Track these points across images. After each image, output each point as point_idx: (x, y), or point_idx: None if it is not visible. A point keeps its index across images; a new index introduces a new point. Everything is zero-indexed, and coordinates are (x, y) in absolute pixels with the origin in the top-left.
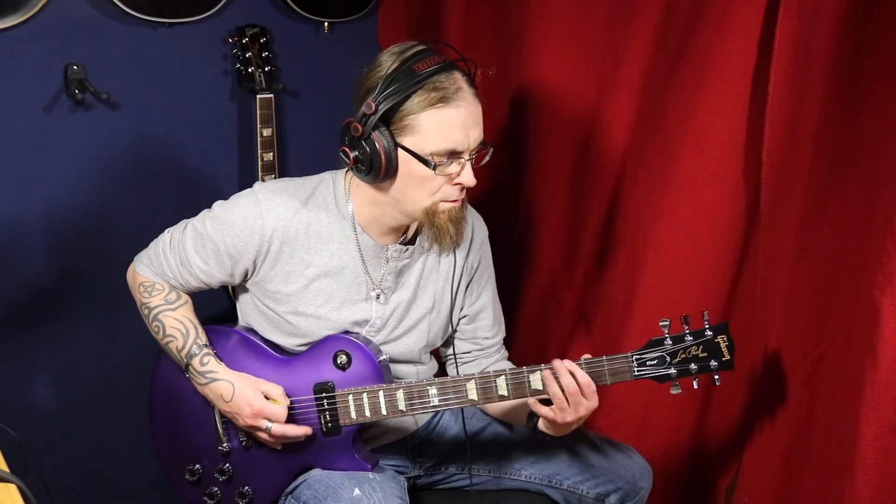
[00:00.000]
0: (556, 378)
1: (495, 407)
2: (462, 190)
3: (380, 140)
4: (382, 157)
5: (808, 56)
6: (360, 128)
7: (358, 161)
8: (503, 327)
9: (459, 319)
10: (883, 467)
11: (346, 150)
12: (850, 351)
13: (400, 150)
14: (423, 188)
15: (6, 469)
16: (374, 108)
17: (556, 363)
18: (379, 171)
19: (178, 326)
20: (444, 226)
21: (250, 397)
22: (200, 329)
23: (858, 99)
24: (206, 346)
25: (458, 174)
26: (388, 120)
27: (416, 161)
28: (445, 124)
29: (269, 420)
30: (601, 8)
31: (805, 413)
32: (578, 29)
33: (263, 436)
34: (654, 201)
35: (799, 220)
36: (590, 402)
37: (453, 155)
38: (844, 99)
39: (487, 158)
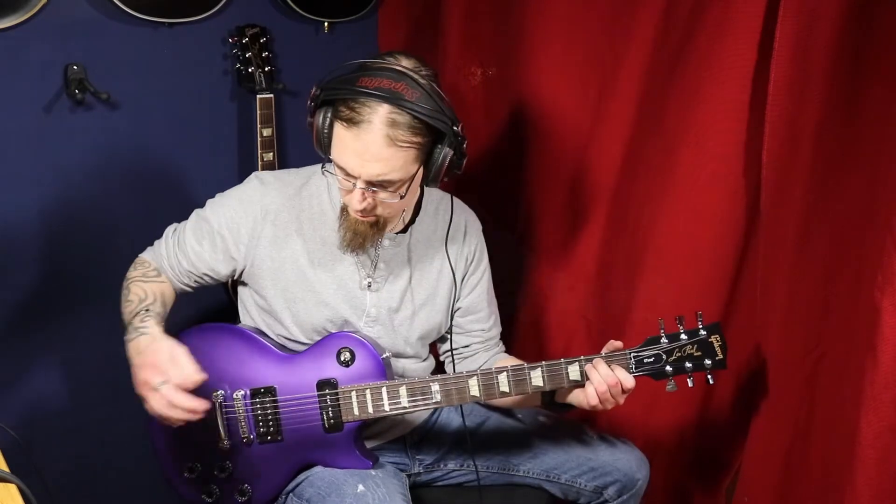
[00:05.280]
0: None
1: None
2: (363, 210)
3: (317, 120)
4: (314, 134)
5: (808, 56)
6: (310, 104)
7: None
8: (499, 321)
9: (455, 311)
10: (883, 467)
11: (309, 119)
12: (850, 351)
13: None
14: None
15: (6, 469)
16: (317, 91)
17: (593, 370)
18: (318, 147)
19: (140, 294)
20: (350, 226)
21: (165, 349)
22: (161, 302)
23: (858, 99)
24: (157, 313)
25: (350, 192)
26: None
27: None
28: (342, 143)
29: (167, 381)
30: (601, 8)
31: (805, 413)
32: (579, 29)
33: (152, 399)
34: (654, 201)
35: (799, 220)
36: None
37: (347, 174)
38: (844, 99)
39: (387, 199)
